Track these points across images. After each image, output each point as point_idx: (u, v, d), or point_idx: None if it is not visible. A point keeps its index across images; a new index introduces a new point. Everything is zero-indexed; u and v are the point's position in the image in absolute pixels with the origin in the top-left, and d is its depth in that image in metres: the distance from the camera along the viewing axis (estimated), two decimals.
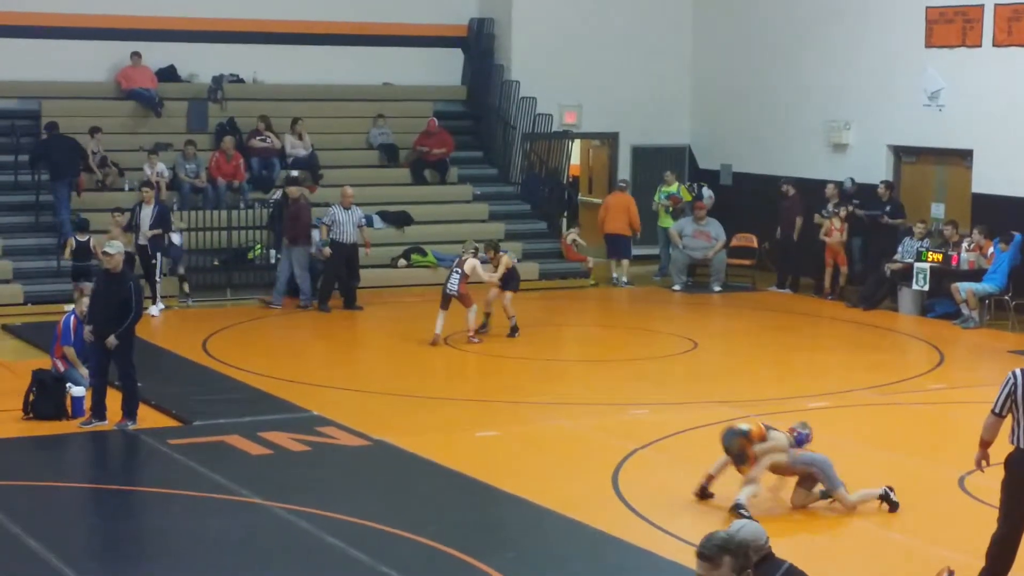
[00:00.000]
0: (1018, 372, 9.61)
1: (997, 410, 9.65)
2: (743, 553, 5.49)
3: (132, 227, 20.70)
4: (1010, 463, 9.67)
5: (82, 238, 20.70)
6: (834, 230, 22.81)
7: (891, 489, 11.76)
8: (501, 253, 19.46)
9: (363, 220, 21.83)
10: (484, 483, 12.40)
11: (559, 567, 10.65)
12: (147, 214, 20.82)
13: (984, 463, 9.88)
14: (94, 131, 23.14)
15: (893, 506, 11.67)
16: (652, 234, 26.09)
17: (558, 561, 10.83)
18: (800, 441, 11.77)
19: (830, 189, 23.43)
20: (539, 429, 14.52)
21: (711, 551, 5.47)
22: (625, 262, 24.52)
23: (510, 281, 19.24)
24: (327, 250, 21.35)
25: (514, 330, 19.18)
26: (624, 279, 24.36)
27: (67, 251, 20.75)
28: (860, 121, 24.20)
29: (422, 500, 12.16)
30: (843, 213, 22.85)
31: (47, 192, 22.45)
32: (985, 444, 9.81)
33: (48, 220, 22.24)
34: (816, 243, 23.23)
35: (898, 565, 10.59)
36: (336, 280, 21.50)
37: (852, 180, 23.47)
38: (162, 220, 20.89)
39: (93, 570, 10.40)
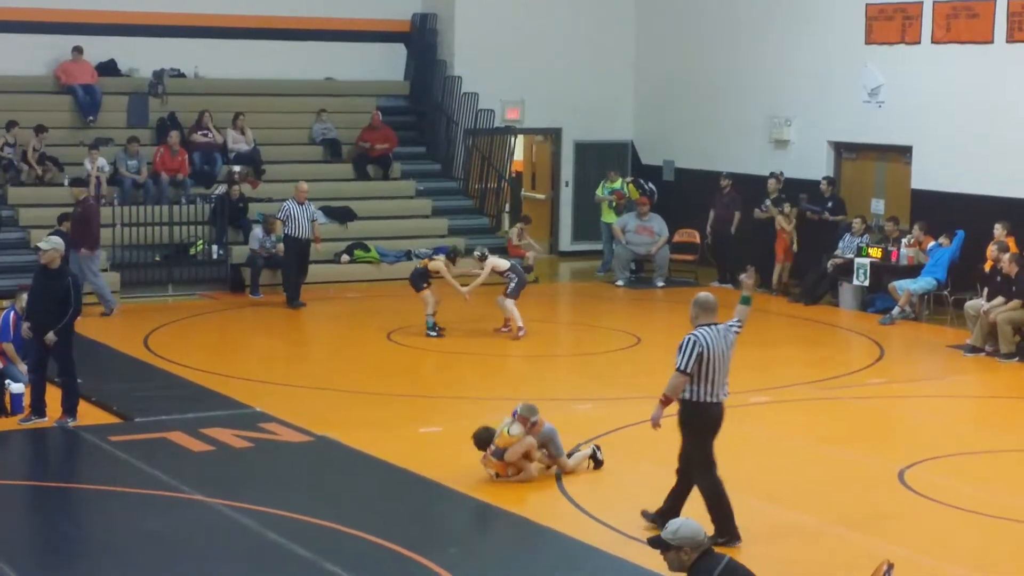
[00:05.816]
0: (698, 332, 10.48)
1: (687, 369, 10.40)
2: None
3: None
4: (688, 415, 10.50)
5: None
6: (788, 225, 22.91)
7: (599, 448, 12.81)
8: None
9: (316, 215, 21.75)
10: (427, 479, 12.40)
11: (501, 562, 10.68)
12: None
13: (659, 424, 10.57)
14: (26, 128, 22.99)
15: (598, 464, 12.69)
16: (595, 229, 26.15)
17: (500, 556, 10.87)
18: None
19: (771, 184, 23.54)
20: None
21: None
22: None
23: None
24: (280, 246, 21.30)
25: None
26: None
27: None
28: (801, 118, 24.33)
29: (365, 496, 12.16)
30: (787, 209, 22.97)
31: None
32: (668, 403, 10.54)
33: None
34: (758, 237, 23.35)
35: (838, 558, 10.67)
36: (293, 274, 21.31)
37: (781, 173, 23.54)
38: None
39: (32, 568, 10.31)
